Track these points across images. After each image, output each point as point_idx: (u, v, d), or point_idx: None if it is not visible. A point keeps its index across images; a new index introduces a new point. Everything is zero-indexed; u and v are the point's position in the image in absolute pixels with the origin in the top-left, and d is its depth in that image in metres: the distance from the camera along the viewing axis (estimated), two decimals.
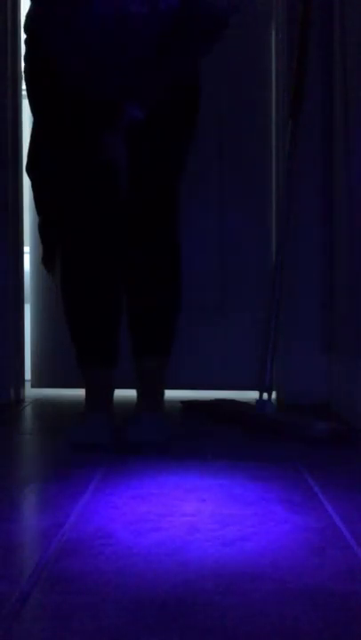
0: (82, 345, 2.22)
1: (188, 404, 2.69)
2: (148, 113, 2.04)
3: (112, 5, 1.98)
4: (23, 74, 2.19)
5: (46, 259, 2.24)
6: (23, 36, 2.16)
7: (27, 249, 3.00)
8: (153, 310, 2.21)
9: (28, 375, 3.01)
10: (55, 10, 2.04)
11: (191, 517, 1.49)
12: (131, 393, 2.29)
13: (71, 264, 2.18)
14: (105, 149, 2.06)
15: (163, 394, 2.25)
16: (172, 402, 2.61)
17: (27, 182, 2.69)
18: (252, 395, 2.61)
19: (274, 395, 2.70)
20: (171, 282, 2.22)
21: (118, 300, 2.21)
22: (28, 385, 3.00)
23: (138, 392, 2.23)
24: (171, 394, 2.51)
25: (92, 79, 2.07)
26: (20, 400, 2.87)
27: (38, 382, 3.05)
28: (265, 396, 2.45)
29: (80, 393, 2.30)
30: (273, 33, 2.92)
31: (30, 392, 2.99)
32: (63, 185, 2.15)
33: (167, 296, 2.22)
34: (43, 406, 2.81)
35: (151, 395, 2.21)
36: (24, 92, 2.24)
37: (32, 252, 2.98)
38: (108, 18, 1.99)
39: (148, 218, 2.17)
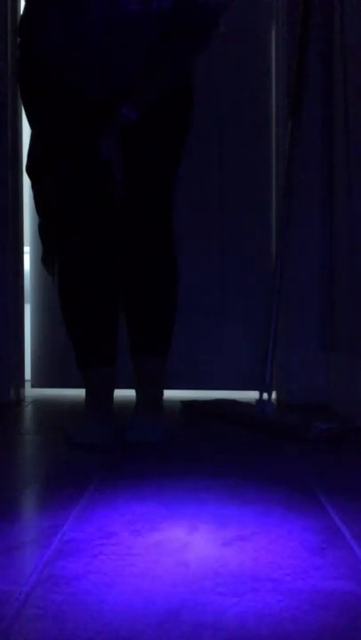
0: (80, 345, 2.22)
1: (188, 404, 2.69)
2: (141, 113, 2.04)
3: (105, 4, 1.98)
4: (17, 75, 2.19)
5: (46, 259, 2.24)
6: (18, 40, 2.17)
7: (27, 249, 3.00)
8: (151, 311, 2.21)
9: (28, 375, 3.01)
10: (49, 12, 2.04)
11: (191, 517, 1.49)
12: (131, 393, 2.29)
13: (69, 264, 2.19)
14: (99, 150, 2.06)
15: (162, 394, 2.25)
16: (172, 402, 2.61)
17: (27, 182, 2.69)
18: (252, 395, 2.61)
19: (274, 395, 2.70)
20: (168, 282, 2.22)
21: (116, 300, 2.21)
22: (28, 385, 3.00)
23: (137, 392, 2.23)
24: (171, 394, 2.51)
25: (84, 80, 2.07)
26: (19, 400, 2.87)
27: (38, 382, 3.05)
28: (265, 396, 2.45)
29: (80, 393, 2.30)
30: (273, 33, 2.92)
31: (30, 392, 2.99)
32: (59, 186, 2.15)
33: (165, 296, 2.22)
34: (43, 406, 2.81)
35: (150, 395, 2.21)
36: (19, 91, 2.25)
37: (32, 252, 2.98)
38: (100, 17, 1.99)
39: (144, 218, 2.17)
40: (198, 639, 0.99)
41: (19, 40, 2.16)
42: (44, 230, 2.24)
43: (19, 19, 2.85)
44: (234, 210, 2.94)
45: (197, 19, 2.05)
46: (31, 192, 2.25)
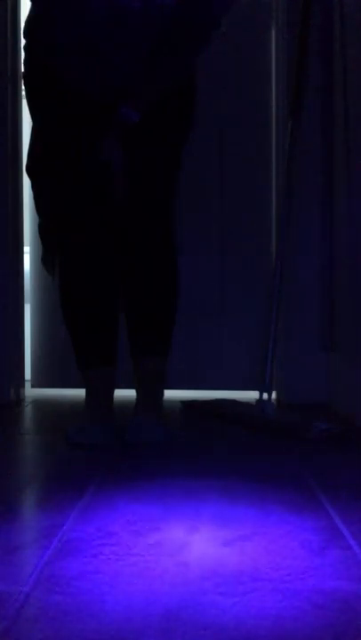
0: (80, 345, 2.22)
1: (188, 404, 2.69)
2: (142, 114, 2.04)
3: (105, 4, 1.98)
4: (22, 78, 2.20)
5: (46, 259, 2.24)
6: (23, 42, 2.17)
7: (27, 249, 3.00)
8: (151, 311, 2.21)
9: (28, 375, 3.01)
10: (50, 12, 2.05)
11: (191, 517, 1.49)
12: (131, 393, 2.29)
13: (69, 264, 2.19)
14: (100, 150, 2.06)
15: (162, 394, 2.25)
16: (172, 402, 2.61)
17: (27, 182, 2.69)
18: (252, 395, 2.61)
19: (274, 395, 2.69)
20: (169, 282, 2.22)
21: (116, 300, 2.21)
22: (28, 385, 3.00)
23: (137, 392, 2.23)
24: (171, 394, 2.51)
25: (85, 80, 2.07)
26: (19, 400, 2.87)
27: (38, 382, 3.05)
28: (265, 396, 2.45)
29: (80, 393, 2.30)
30: (273, 33, 2.92)
31: (30, 392, 2.99)
32: (59, 186, 2.15)
33: (165, 296, 2.22)
34: (43, 406, 2.81)
35: (150, 395, 2.21)
36: (24, 92, 2.25)
37: (32, 252, 2.98)
38: (101, 17, 1.99)
39: (144, 218, 2.17)
40: (198, 639, 0.99)
41: (24, 42, 2.16)
42: (44, 230, 2.24)
43: (19, 20, 2.88)
44: (234, 210, 2.93)
45: (199, 18, 2.05)
46: (31, 192, 2.25)
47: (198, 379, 2.94)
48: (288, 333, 2.77)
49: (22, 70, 2.19)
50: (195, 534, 1.39)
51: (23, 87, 2.23)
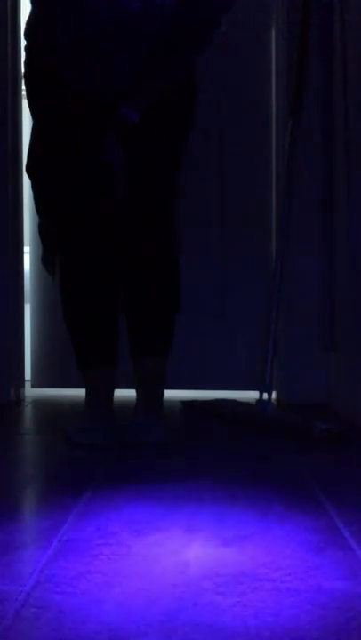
0: (81, 345, 2.22)
1: (188, 404, 2.69)
2: (142, 114, 2.04)
3: (105, 5, 1.98)
4: (23, 79, 2.20)
5: (46, 259, 2.24)
6: (24, 43, 2.17)
7: (27, 249, 3.00)
8: (151, 311, 2.21)
9: (28, 375, 3.01)
10: (53, 11, 2.05)
11: (191, 517, 1.49)
12: (131, 393, 2.29)
13: (69, 264, 2.19)
14: (101, 151, 2.06)
15: (162, 394, 2.25)
16: (172, 402, 2.61)
17: (27, 182, 2.69)
18: (252, 395, 2.61)
19: (274, 395, 2.70)
20: (169, 282, 2.22)
21: (116, 300, 2.21)
22: (28, 385, 3.00)
23: (137, 392, 2.23)
24: (171, 394, 2.51)
25: (85, 80, 2.07)
26: (20, 400, 2.87)
27: (38, 382, 3.05)
28: (265, 396, 2.45)
29: (80, 393, 2.30)
30: (273, 33, 2.92)
31: (30, 392, 2.99)
32: (59, 186, 2.15)
33: (165, 296, 2.22)
34: (43, 406, 2.81)
35: (151, 395, 2.21)
36: (24, 93, 2.25)
37: (32, 252, 2.98)
38: (101, 17, 1.99)
39: (145, 218, 2.17)
40: (198, 639, 0.99)
41: (24, 43, 2.16)
42: (44, 230, 2.24)
43: (19, 20, 2.87)
44: (234, 210, 2.93)
45: (199, 18, 2.05)
46: (31, 192, 2.25)
47: (198, 379, 2.94)
48: (288, 333, 2.77)
49: (23, 71, 2.20)
50: (195, 534, 1.39)
51: (23, 87, 2.23)
